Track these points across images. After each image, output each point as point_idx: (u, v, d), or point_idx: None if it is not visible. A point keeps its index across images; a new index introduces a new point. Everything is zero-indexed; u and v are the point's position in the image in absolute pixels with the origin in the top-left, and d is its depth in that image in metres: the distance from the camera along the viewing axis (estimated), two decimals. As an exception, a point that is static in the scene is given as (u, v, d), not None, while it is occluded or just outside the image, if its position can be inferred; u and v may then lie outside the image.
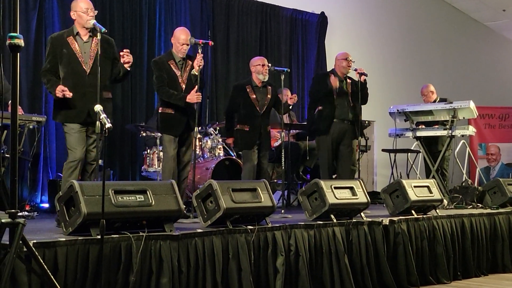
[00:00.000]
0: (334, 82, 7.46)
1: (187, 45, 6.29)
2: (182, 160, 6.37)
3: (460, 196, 7.68)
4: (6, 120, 4.92)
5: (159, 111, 6.40)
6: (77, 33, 5.43)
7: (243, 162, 7.30)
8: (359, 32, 12.44)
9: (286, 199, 8.34)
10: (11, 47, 3.21)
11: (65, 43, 5.38)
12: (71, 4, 5.48)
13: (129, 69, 5.57)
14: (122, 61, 5.47)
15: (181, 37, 6.30)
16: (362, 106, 7.69)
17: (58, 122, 5.79)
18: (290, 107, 7.43)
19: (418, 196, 6.27)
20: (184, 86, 6.26)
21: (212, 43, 6.47)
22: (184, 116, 6.28)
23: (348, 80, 7.64)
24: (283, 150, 6.93)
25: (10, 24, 3.32)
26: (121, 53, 5.43)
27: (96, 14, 5.42)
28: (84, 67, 5.37)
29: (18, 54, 3.26)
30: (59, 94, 5.22)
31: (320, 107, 7.56)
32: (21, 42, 3.23)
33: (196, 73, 6.12)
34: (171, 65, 6.26)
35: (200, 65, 6.09)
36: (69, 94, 5.23)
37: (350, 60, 7.62)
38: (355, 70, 7.50)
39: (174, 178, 6.01)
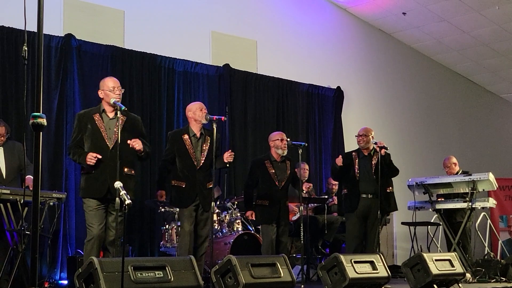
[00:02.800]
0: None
1: (203, 112, 6.45)
2: (200, 235, 6.40)
3: (483, 270, 7.58)
4: (27, 197, 4.99)
5: (172, 184, 6.53)
6: (103, 110, 5.61)
7: (262, 237, 7.32)
8: (375, 106, 12.55)
9: (306, 274, 8.25)
10: (34, 126, 3.27)
11: (90, 119, 5.56)
12: (99, 83, 5.72)
13: (141, 154, 5.68)
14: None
15: (195, 105, 6.57)
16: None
17: (80, 198, 5.86)
18: (305, 180, 7.45)
19: (439, 270, 6.20)
20: (195, 160, 6.40)
21: (225, 119, 6.60)
22: (194, 191, 6.36)
23: (374, 155, 7.66)
24: (301, 224, 6.90)
25: (33, 104, 3.39)
26: (129, 142, 5.50)
27: (123, 92, 5.65)
28: (107, 142, 5.50)
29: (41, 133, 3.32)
30: (90, 161, 5.35)
31: (345, 189, 7.73)
32: (44, 121, 3.29)
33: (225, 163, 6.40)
34: (185, 140, 6.42)
35: (229, 160, 6.34)
36: (99, 155, 5.36)
37: (363, 135, 7.67)
38: (375, 143, 7.54)
39: (189, 254, 6.00)
